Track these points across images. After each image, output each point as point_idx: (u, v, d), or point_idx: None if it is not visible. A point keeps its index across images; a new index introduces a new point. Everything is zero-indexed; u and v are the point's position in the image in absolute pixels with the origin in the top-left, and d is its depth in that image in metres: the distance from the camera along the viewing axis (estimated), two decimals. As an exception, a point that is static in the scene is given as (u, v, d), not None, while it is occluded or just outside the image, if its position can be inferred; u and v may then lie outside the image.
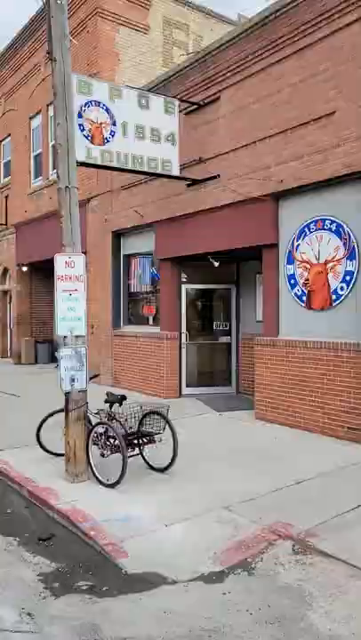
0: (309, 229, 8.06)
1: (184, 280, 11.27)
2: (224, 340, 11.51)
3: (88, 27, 13.40)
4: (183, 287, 11.27)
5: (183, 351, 11.22)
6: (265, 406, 8.74)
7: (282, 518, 4.95)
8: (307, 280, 8.08)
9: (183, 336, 11.20)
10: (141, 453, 6.39)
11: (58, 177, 6.05)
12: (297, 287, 8.27)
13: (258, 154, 8.74)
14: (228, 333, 11.49)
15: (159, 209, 11.03)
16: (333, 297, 7.71)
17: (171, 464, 6.23)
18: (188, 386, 11.27)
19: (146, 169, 9.30)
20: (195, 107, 9.98)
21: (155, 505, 5.34)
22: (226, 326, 11.50)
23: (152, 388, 11.28)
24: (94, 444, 6.20)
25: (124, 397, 6.43)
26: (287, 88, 8.20)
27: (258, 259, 10.67)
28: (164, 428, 6.16)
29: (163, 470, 6.26)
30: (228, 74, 9.23)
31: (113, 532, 4.77)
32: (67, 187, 5.98)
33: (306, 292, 8.13)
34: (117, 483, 5.77)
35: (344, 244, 7.55)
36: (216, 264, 10.35)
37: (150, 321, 11.92)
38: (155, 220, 11.18)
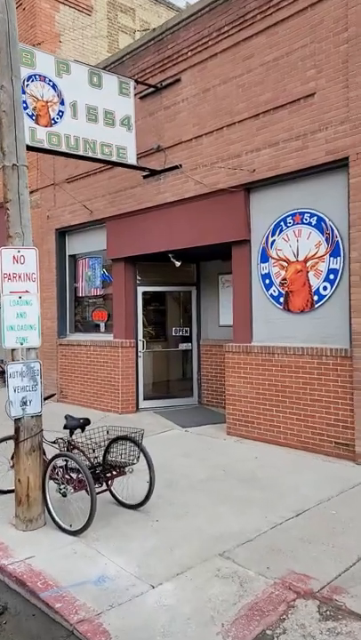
0: (286, 224, 7.30)
1: (140, 282, 10.26)
2: (184, 347, 10.58)
3: (24, 3, 12.12)
4: (139, 290, 10.25)
5: (140, 360, 10.19)
6: (238, 420, 7.88)
7: (294, 566, 4.06)
8: (284, 280, 7.31)
9: (140, 344, 10.17)
10: (109, 488, 5.32)
11: (3, 153, 4.89)
12: (273, 287, 7.49)
13: (226, 141, 7.90)
14: (189, 340, 10.57)
15: (111, 203, 9.96)
16: (315, 298, 6.98)
17: (146, 499, 5.21)
18: (146, 399, 10.24)
19: (99, 156, 8.21)
20: (151, 90, 9.01)
21: (134, 556, 4.30)
22: (186, 332, 10.57)
23: (105, 402, 10.16)
24: (52, 479, 5.07)
25: (87, 421, 5.34)
26: (259, 68, 7.41)
27: (220, 258, 9.87)
28: (138, 457, 5.13)
29: (136, 507, 5.23)
30: (190, 53, 8.34)
31: (86, 602, 3.69)
32: (14, 165, 4.84)
33: (283, 292, 7.35)
34: (84, 529, 4.68)
35: (326, 239, 6.83)
36: (178, 264, 9.41)
37: (102, 328, 10.79)
38: (106, 216, 10.10)
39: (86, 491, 4.76)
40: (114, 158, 8.39)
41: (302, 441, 7.03)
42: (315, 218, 6.95)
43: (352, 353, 6.42)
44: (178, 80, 8.60)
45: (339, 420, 6.62)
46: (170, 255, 9.32)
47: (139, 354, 10.15)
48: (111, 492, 5.34)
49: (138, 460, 5.11)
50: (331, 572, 3.97)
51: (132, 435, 5.17)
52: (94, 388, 10.48)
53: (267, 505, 5.24)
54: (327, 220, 6.81)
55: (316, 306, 6.96)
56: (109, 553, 4.39)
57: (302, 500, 5.29)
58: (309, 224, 7.01)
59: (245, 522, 4.88)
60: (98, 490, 4.98)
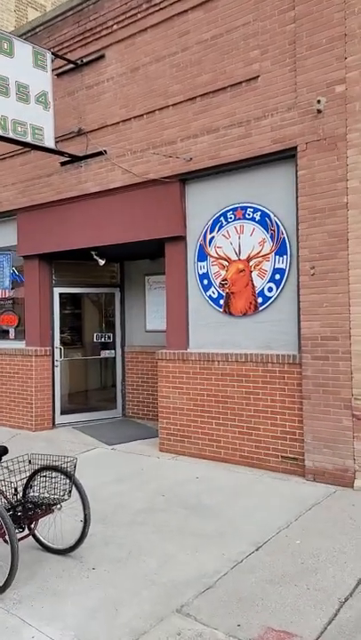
0: (227, 219, 6.68)
1: (56, 282, 9.18)
2: (107, 354, 9.64)
3: None
4: (55, 291, 9.16)
5: (57, 370, 9.10)
6: (173, 435, 7.12)
7: (269, 620, 3.36)
8: (225, 280, 6.68)
9: (57, 351, 9.08)
10: (33, 532, 4.32)
11: None
12: (212, 289, 6.83)
13: (158, 126, 7.14)
14: (112, 346, 9.64)
15: (23, 193, 8.81)
16: (260, 300, 6.42)
17: (79, 542, 4.28)
18: (63, 413, 9.16)
19: (11, 134, 7.10)
20: (71, 67, 8.04)
21: (71, 623, 3.39)
22: (109, 338, 9.64)
23: (16, 418, 8.95)
24: None
25: (4, 450, 4.30)
26: (195, 46, 6.75)
27: (148, 257, 9.11)
28: (70, 492, 4.19)
29: (66, 552, 4.29)
30: (116, 27, 7.50)
31: None
32: None
33: (224, 294, 6.72)
34: (3, 589, 3.67)
35: (271, 236, 6.30)
36: (102, 262, 8.50)
37: (11, 334, 9.54)
38: (17, 208, 8.93)
39: (5, 540, 3.74)
40: (28, 139, 7.31)
41: (246, 456, 6.42)
42: (259, 213, 6.40)
43: (301, 359, 5.92)
44: (102, 56, 7.71)
45: (286, 433, 6.09)
46: (93, 253, 8.39)
47: (55, 363, 9.06)
48: (35, 535, 4.34)
49: (70, 496, 4.17)
50: (314, 624, 3.31)
51: (62, 465, 4.21)
52: (3, 402, 9.21)
53: (221, 538, 4.51)
54: (272, 215, 6.28)
55: (261, 308, 6.40)
56: (37, 620, 3.43)
57: (260, 529, 4.63)
58: (253, 219, 6.45)
59: (201, 562, 4.11)
60: (20, 535, 3.98)
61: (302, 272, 5.90)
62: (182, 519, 4.93)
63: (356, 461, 5.51)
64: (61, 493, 4.16)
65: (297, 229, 5.97)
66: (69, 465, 4.20)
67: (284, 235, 6.19)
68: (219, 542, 4.44)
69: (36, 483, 4.26)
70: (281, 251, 6.22)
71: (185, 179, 6.98)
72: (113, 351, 9.64)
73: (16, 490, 4.15)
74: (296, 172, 5.96)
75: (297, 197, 5.95)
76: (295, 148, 5.92)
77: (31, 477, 4.28)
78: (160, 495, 5.57)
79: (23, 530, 4.13)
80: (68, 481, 4.16)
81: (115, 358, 9.66)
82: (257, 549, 4.30)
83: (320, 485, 5.67)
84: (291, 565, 4.03)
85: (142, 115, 7.31)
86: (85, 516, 4.20)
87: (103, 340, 9.61)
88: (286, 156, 6.06)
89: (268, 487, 5.71)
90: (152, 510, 5.17)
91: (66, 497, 4.15)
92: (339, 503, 5.16)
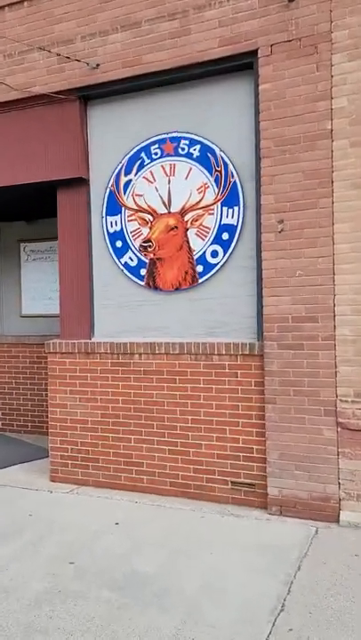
0: (151, 156, 4.78)
1: None
2: (-33, 347, 7.17)
3: None
4: None
5: None
6: (71, 459, 5.09)
7: None
8: (148, 242, 4.79)
9: None
10: None
11: None
12: (129, 254, 4.90)
13: (46, 17, 4.97)
14: (-26, 337, 7.20)
15: None
16: (200, 268, 4.65)
17: None
18: None
19: None
20: None
21: None
22: (-31, 326, 7.19)
23: None
24: None
25: None
26: None
27: (24, 217, 6.87)
28: None
29: None
30: None
31: None
32: None
33: (147, 261, 4.83)
34: None
35: (217, 180, 4.56)
36: None
37: None
38: None
39: None
40: None
41: (180, 484, 4.65)
42: (198, 147, 4.61)
43: (262, 349, 4.29)
44: None
45: (239, 450, 4.44)
46: None
47: None
48: None
49: None
50: None
51: None
52: None
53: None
54: (218, 150, 4.53)
55: (201, 280, 4.64)
56: None
57: (245, 621, 2.89)
58: (189, 156, 4.64)
59: None
60: None
61: (265, 228, 4.25)
62: (114, 610, 3.00)
63: (341, 487, 4.04)
64: None
65: (257, 169, 4.30)
66: None
67: (235, 178, 4.49)
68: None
69: None
70: (230, 200, 4.51)
71: (88, 95, 4.92)
72: (-25, 343, 7.20)
73: None
74: (256, 87, 4.26)
75: (257, 123, 4.27)
76: (255, 52, 4.22)
77: None
78: (67, 563, 3.56)
79: None
80: None
81: (-22, 353, 7.23)
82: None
83: (291, 522, 4.11)
84: None
85: (21, 1, 5.07)
86: None
87: None
88: (241, 64, 4.33)
89: (222, 531, 4.00)
90: (59, 596, 3.15)
91: None
92: (333, 552, 3.62)
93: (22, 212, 6.76)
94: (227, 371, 4.47)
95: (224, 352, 4.46)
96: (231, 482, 4.47)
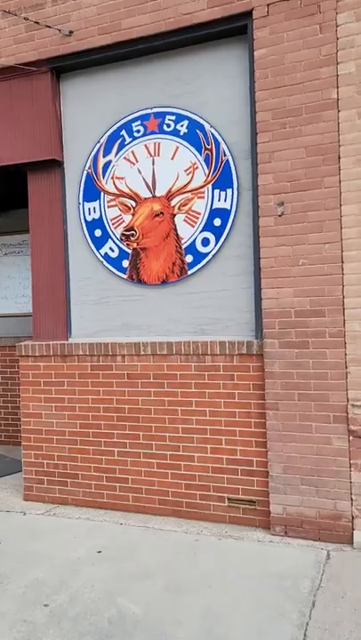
0: (132, 134, 4.27)
1: None
2: None
3: None
4: None
5: None
6: (47, 475, 4.54)
7: None
8: (131, 230, 4.27)
9: None
10: None
11: None
12: (110, 243, 4.37)
13: (14, -20, 4.44)
14: None
15: None
16: (189, 259, 4.14)
17: None
18: None
19: None
20: None
21: None
22: None
23: None
24: None
25: None
26: None
27: (-5, 208, 6.29)
28: None
29: None
30: None
31: None
32: None
33: (130, 251, 4.31)
34: None
35: (207, 159, 4.06)
36: None
37: None
38: None
39: None
40: None
41: (170, 501, 4.14)
42: (185, 123, 4.10)
43: (262, 348, 3.80)
44: None
45: (236, 462, 3.94)
46: None
47: None
48: None
49: None
50: None
51: None
52: None
53: None
54: (208, 126, 4.04)
55: (191, 271, 4.13)
56: None
57: None
58: (175, 133, 4.14)
59: None
60: None
61: (263, 212, 3.76)
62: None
63: (354, 503, 3.57)
64: None
65: (253, 145, 3.81)
66: None
67: (228, 156, 3.99)
68: None
69: None
70: (223, 181, 4.02)
71: (61, 67, 4.39)
72: None
73: None
74: (251, 53, 3.77)
75: (253, 94, 3.78)
76: (249, 13, 3.73)
77: None
78: (41, 605, 3.02)
79: None
80: None
81: None
82: None
83: (298, 544, 3.62)
84: None
85: None
86: None
87: None
88: (234, 27, 3.84)
89: (220, 558, 3.48)
90: (34, 652, 2.62)
91: None
92: (350, 581, 3.13)
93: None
94: (221, 373, 3.97)
95: (218, 352, 3.96)
96: (228, 499, 3.97)
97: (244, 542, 3.68)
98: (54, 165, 4.50)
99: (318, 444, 3.64)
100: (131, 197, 4.29)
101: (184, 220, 4.14)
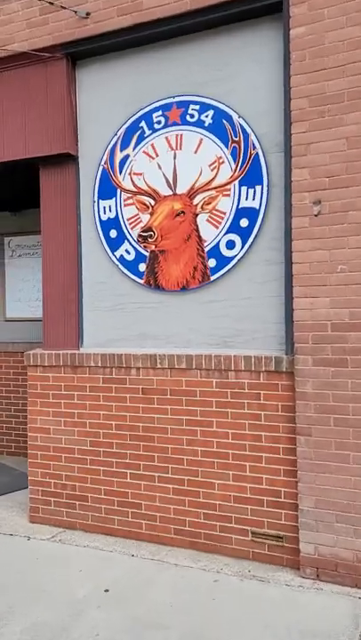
0: (152, 125, 3.89)
1: None
2: None
3: None
4: None
5: None
6: (54, 496, 4.18)
7: None
8: (149, 230, 3.88)
9: None
10: None
11: None
12: (126, 245, 4.00)
13: None
14: None
15: None
16: (212, 263, 3.74)
17: None
18: None
19: None
20: None
21: None
22: None
23: None
24: None
25: None
26: None
27: (9, 208, 6.03)
28: None
29: None
30: None
31: None
32: None
33: (147, 254, 3.93)
34: None
35: (234, 152, 3.65)
36: None
37: None
38: None
39: None
40: None
41: (187, 532, 3.73)
42: (211, 113, 3.71)
43: (293, 364, 3.37)
44: None
45: (261, 492, 3.51)
46: None
47: None
48: None
49: None
50: None
51: None
52: None
53: None
54: (236, 116, 3.63)
55: (214, 277, 3.73)
56: None
57: None
58: (200, 124, 3.74)
59: None
60: None
61: (297, 211, 3.33)
62: None
63: None
64: None
65: (287, 137, 3.39)
66: None
67: (258, 149, 3.58)
68: None
69: None
70: (251, 177, 3.61)
71: (77, 52, 4.04)
72: None
73: None
74: (286, 32, 3.35)
75: (287, 79, 3.36)
76: (286, -11, 3.34)
77: None
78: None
79: None
80: None
81: None
82: None
83: (331, 591, 3.16)
84: None
85: None
86: None
87: None
88: (267, 4, 3.43)
89: (244, 604, 3.05)
90: None
91: None
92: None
93: (5, 202, 5.89)
94: (246, 391, 3.55)
95: (243, 367, 3.54)
96: (252, 532, 3.54)
97: (271, 586, 3.25)
98: (68, 160, 4.15)
99: (356, 476, 3.18)
100: (149, 195, 3.91)
101: (207, 221, 3.74)
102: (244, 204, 3.64)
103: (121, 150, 4.00)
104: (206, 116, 3.73)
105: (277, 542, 3.47)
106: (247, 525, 3.56)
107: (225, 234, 3.69)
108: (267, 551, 3.50)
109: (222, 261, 3.70)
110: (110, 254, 4.06)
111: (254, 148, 3.59)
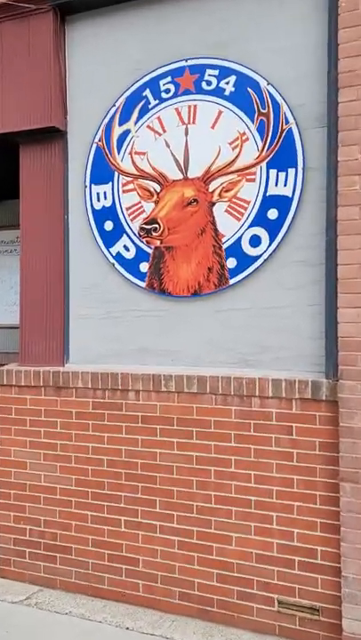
0: (160, 94, 3.19)
1: None
2: None
3: None
4: None
5: None
6: (29, 546, 3.41)
7: None
8: (153, 222, 3.17)
9: None
10: None
11: None
12: (123, 240, 3.28)
13: None
14: None
15: None
16: (231, 263, 3.04)
17: None
18: None
19: None
20: None
21: None
22: None
23: None
24: None
25: None
26: None
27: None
28: None
29: None
30: None
31: None
32: None
33: (150, 251, 3.21)
34: None
35: (261, 127, 2.97)
36: None
37: None
38: None
39: None
40: None
41: (194, 596, 3.00)
42: (232, 79, 3.03)
43: (335, 391, 2.68)
44: None
45: (292, 551, 2.80)
46: None
47: None
48: None
49: None
50: None
51: None
52: None
53: None
54: (264, 82, 2.96)
55: (233, 281, 3.03)
56: None
57: None
58: (218, 93, 3.06)
59: None
60: None
61: (344, 200, 2.66)
62: None
63: None
64: None
65: (331, 107, 2.72)
66: None
67: (292, 124, 2.91)
68: None
69: None
70: (283, 159, 2.93)
71: (67, 5, 3.32)
72: None
73: None
74: (332, -22, 2.71)
75: (333, 34, 2.70)
76: None
77: None
78: None
79: None
80: None
81: None
82: None
83: None
84: None
85: None
86: None
87: None
88: None
89: None
90: None
91: None
92: None
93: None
94: (274, 423, 2.85)
95: (270, 393, 2.84)
96: (279, 601, 2.83)
97: None
98: (54, 136, 3.42)
99: None
100: (154, 179, 3.20)
101: (226, 211, 3.04)
102: (272, 190, 2.95)
103: (120, 124, 3.28)
104: (227, 83, 3.04)
105: (312, 615, 2.76)
106: (273, 592, 2.84)
107: (248, 227, 3.00)
108: (298, 626, 2.79)
109: (244, 261, 3.00)
110: (105, 251, 3.33)
111: (287, 122, 2.91)
